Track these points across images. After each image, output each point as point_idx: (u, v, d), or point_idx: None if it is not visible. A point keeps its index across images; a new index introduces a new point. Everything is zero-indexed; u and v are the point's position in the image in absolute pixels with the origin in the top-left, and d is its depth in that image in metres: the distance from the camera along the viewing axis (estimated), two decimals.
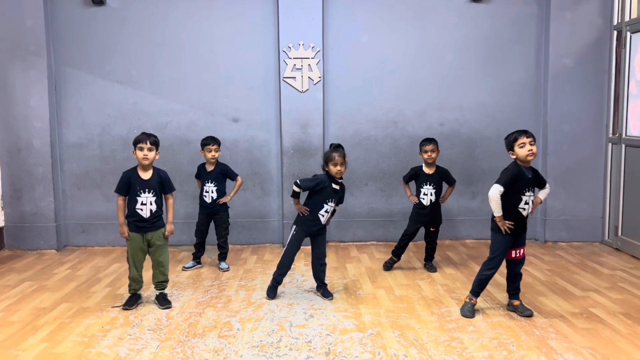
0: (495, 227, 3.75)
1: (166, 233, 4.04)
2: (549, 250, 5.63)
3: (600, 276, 4.71)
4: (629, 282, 4.54)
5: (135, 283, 4.05)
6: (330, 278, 4.66)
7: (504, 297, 4.06)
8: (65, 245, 5.93)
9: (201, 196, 5.05)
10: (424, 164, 4.88)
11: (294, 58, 5.69)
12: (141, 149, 3.91)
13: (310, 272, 4.38)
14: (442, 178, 4.87)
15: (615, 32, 5.68)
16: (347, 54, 5.85)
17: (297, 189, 4.10)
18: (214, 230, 5.10)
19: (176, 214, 5.92)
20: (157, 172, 4.04)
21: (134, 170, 3.99)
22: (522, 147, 3.63)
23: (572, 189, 5.87)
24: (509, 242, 3.73)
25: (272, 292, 4.21)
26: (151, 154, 3.92)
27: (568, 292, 4.28)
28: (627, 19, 5.53)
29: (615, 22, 5.68)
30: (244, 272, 4.96)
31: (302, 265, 5.09)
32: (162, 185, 4.05)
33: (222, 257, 5.08)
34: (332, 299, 4.14)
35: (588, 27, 5.75)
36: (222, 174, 5.02)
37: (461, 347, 3.28)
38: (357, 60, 5.87)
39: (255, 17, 5.80)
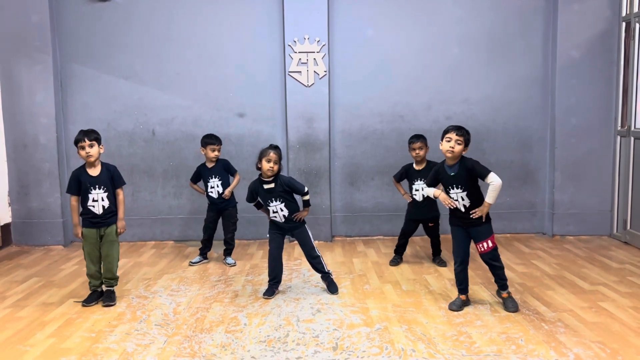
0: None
1: (118, 230, 4.00)
2: (557, 244, 5.60)
3: (609, 270, 4.67)
4: (638, 275, 4.50)
5: (94, 279, 4.03)
6: (337, 273, 4.65)
7: (511, 290, 4.03)
8: (72, 241, 5.94)
9: (207, 194, 5.02)
10: (414, 161, 4.85)
11: (299, 52, 5.66)
12: (82, 148, 3.85)
13: None
14: None
15: (624, 24, 5.62)
16: (352, 48, 5.82)
17: (250, 202, 4.22)
18: (221, 225, 5.09)
19: (183, 209, 5.94)
20: (106, 167, 3.99)
21: (82, 169, 3.95)
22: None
23: (580, 182, 5.83)
24: (456, 232, 3.79)
25: (267, 292, 4.14)
26: (93, 150, 3.86)
27: (577, 286, 4.25)
28: (636, 10, 5.46)
29: (624, 14, 5.61)
30: (251, 267, 4.95)
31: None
32: (112, 180, 3.99)
33: (228, 252, 5.09)
34: (337, 294, 4.13)
35: (596, 19, 5.68)
36: (225, 169, 5.02)
37: (469, 341, 3.27)
38: (362, 54, 5.83)
39: (260, 11, 5.77)
